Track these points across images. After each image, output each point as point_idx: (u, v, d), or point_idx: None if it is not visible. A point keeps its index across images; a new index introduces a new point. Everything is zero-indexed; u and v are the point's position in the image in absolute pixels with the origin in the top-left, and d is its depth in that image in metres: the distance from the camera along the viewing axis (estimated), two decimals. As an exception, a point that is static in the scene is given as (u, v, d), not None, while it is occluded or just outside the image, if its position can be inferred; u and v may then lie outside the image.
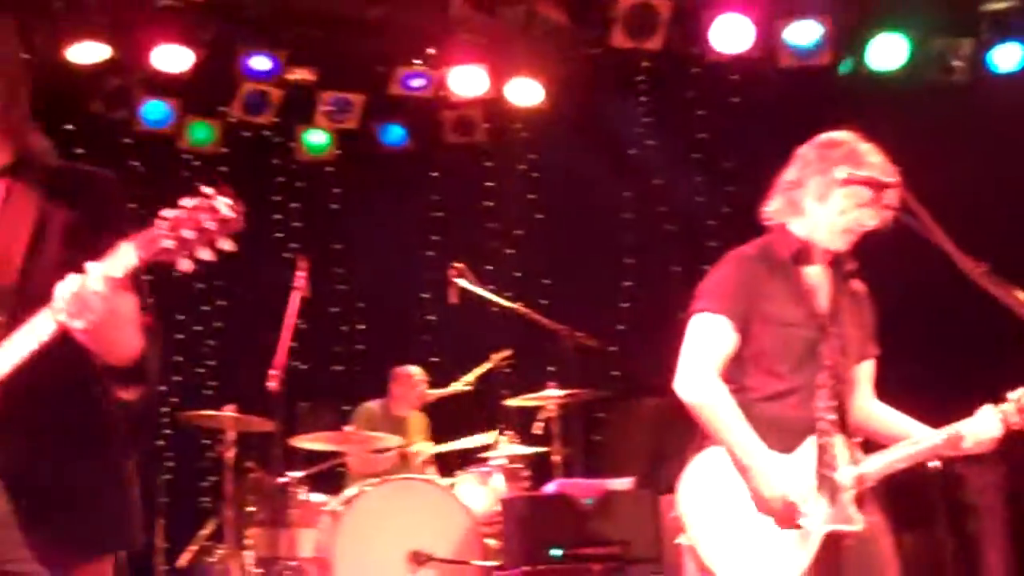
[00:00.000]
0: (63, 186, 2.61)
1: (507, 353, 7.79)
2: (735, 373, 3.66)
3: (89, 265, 2.35)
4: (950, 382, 5.99)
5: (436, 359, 8.57)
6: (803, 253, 3.70)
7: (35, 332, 2.40)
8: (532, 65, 8.51)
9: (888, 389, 3.89)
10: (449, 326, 8.81)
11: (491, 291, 7.38)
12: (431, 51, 8.50)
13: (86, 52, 7.75)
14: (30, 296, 2.45)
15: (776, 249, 3.72)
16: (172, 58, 7.87)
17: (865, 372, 3.85)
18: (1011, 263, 3.24)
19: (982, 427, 3.59)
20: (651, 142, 9.17)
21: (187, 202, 2.35)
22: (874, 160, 3.59)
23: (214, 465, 7.06)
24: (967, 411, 3.62)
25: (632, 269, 9.31)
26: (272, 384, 6.39)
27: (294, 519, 6.58)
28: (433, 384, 8.00)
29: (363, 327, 9.44)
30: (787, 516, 3.51)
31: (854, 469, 3.59)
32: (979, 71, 8.20)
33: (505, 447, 7.04)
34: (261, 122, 8.90)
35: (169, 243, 2.32)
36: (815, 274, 3.72)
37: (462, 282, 7.20)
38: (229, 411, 6.60)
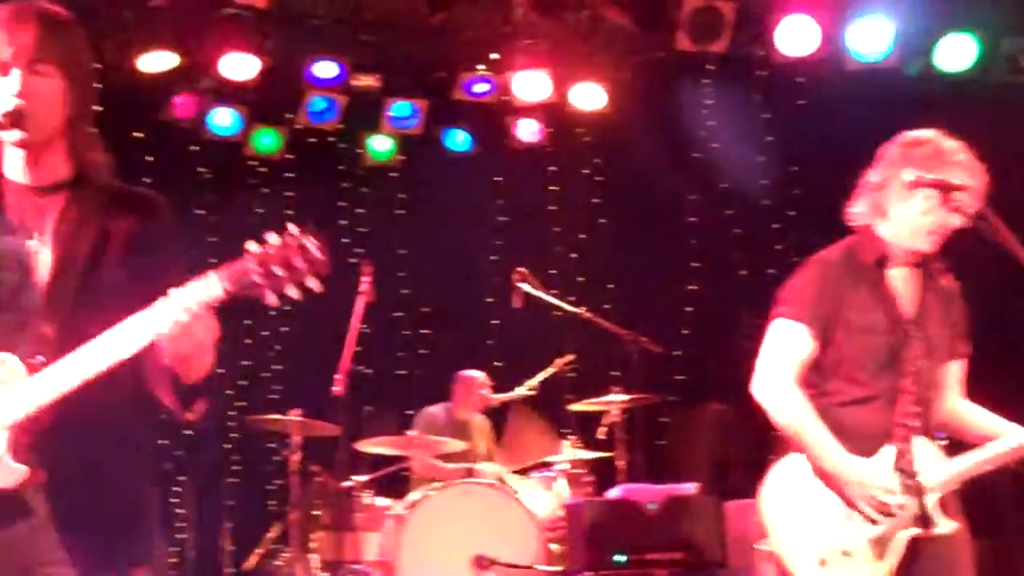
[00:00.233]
0: (120, 207, 2.65)
1: (570, 358, 7.77)
2: (814, 378, 3.64)
3: (181, 292, 2.40)
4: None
5: (499, 363, 8.58)
6: (887, 256, 3.66)
7: (112, 348, 2.44)
8: (596, 69, 8.50)
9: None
10: (513, 330, 8.81)
11: (554, 295, 7.37)
12: (495, 56, 8.52)
13: (155, 61, 7.87)
14: (85, 314, 2.50)
15: (860, 252, 3.68)
16: (239, 66, 7.96)
17: (954, 372, 3.79)
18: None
19: None
20: (716, 145, 9.11)
21: (274, 239, 2.40)
22: (959, 159, 3.54)
23: (280, 469, 7.12)
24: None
25: (697, 273, 9.26)
26: (337, 388, 6.43)
27: (359, 523, 6.61)
28: (496, 389, 8.01)
29: (427, 332, 9.47)
30: (878, 508, 3.47)
31: (939, 472, 3.55)
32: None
33: (568, 452, 7.03)
34: (326, 128, 8.97)
35: (258, 278, 2.38)
36: (900, 277, 3.68)
37: (526, 286, 7.20)
38: (295, 415, 6.65)
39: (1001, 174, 3.66)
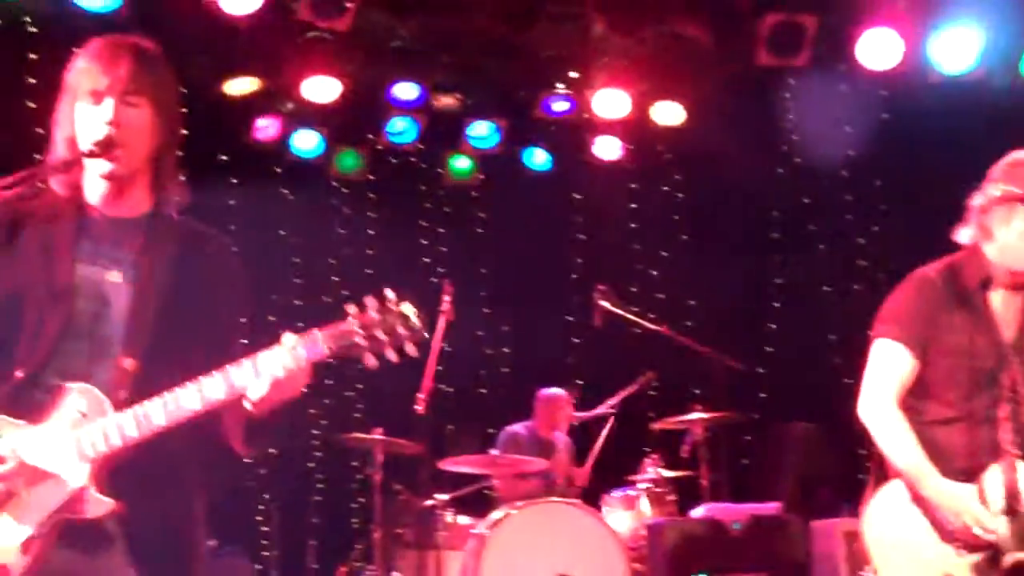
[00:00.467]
0: (193, 244, 2.75)
1: (652, 375, 7.74)
2: (911, 399, 3.64)
3: (289, 351, 2.53)
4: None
5: (581, 381, 8.56)
6: (991, 278, 3.64)
7: (206, 392, 2.52)
8: (675, 85, 8.47)
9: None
10: (594, 348, 8.79)
11: (635, 313, 7.35)
12: (574, 75, 8.54)
13: (239, 85, 8.02)
14: (162, 349, 2.60)
15: (964, 272, 3.67)
16: (320, 88, 8.08)
17: None
18: None
19: None
20: (798, 160, 9.03)
21: (372, 302, 2.54)
22: None
23: (363, 487, 7.17)
24: None
25: (780, 289, 9.17)
26: (419, 407, 6.46)
27: (441, 541, 6.62)
28: (578, 407, 7.99)
29: (508, 350, 9.49)
30: (971, 540, 3.43)
31: None
32: None
33: (651, 470, 6.99)
34: (407, 149, 9.05)
35: (361, 341, 2.53)
36: (1001, 299, 3.66)
37: (606, 304, 7.19)
38: (377, 434, 6.69)
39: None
